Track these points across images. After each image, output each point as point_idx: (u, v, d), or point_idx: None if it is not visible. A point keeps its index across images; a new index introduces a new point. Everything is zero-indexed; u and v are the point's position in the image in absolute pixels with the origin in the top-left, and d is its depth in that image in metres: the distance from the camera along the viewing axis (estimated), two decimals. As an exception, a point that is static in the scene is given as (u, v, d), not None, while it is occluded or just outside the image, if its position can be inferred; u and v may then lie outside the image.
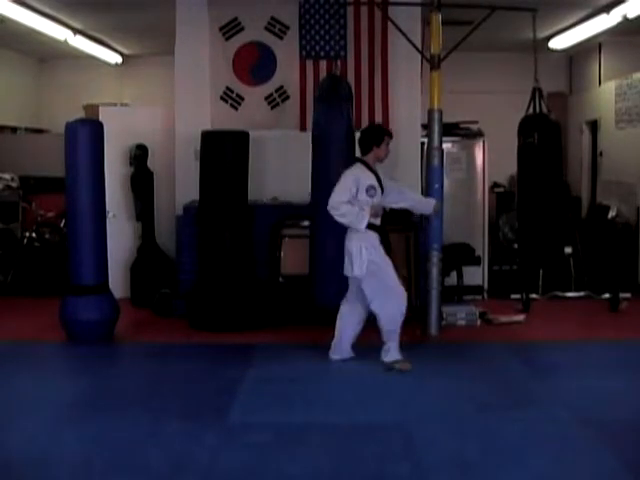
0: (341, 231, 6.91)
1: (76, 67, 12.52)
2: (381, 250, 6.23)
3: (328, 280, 6.96)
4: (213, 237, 7.59)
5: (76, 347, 6.95)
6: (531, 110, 7.65)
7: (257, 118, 8.48)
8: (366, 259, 6.13)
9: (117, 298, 7.37)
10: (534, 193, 7.68)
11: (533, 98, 7.60)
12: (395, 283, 6.21)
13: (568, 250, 9.33)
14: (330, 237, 6.97)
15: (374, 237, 6.22)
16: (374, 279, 6.16)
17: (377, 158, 6.42)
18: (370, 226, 6.16)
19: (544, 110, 7.64)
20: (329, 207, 6.21)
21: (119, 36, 11.30)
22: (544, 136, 7.62)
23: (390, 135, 6.57)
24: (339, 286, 6.98)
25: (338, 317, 6.46)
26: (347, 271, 6.26)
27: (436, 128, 7.29)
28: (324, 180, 7.03)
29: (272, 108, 8.56)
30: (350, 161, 7.04)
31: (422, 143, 8.34)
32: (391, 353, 6.22)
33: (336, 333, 6.45)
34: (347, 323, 6.42)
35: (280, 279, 7.93)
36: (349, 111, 7.19)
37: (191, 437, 4.77)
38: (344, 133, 7.01)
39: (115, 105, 10.41)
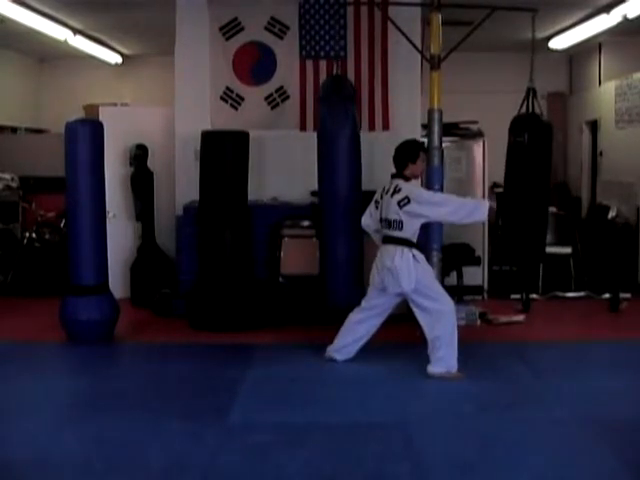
0: (350, 231, 6.97)
1: (76, 67, 12.52)
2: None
3: (340, 281, 7.00)
4: (213, 237, 7.59)
5: (76, 347, 6.95)
6: (524, 110, 7.67)
7: (257, 118, 8.47)
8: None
9: (117, 298, 7.37)
10: (519, 193, 7.71)
11: (527, 98, 7.61)
12: None
13: (567, 250, 9.35)
14: (340, 237, 7.02)
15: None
16: None
17: (413, 176, 6.21)
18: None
19: (537, 110, 7.65)
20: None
21: (119, 36, 11.30)
22: (534, 136, 7.63)
23: (425, 150, 6.44)
24: (351, 286, 7.03)
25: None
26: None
27: (436, 128, 7.28)
28: (331, 180, 7.08)
29: (272, 108, 8.55)
30: (356, 161, 7.08)
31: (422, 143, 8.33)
32: None
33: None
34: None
35: (280, 279, 7.93)
36: (353, 111, 7.22)
37: (191, 437, 4.76)
38: (349, 133, 7.03)
39: (115, 105, 10.41)
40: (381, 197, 6.20)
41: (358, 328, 6.36)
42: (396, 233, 6.05)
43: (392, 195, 6.07)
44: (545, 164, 7.76)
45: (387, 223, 6.11)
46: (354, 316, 6.39)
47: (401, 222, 6.01)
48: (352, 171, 7.08)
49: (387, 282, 6.09)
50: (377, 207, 6.24)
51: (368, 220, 6.41)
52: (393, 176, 6.18)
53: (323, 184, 7.23)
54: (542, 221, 7.84)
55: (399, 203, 6.00)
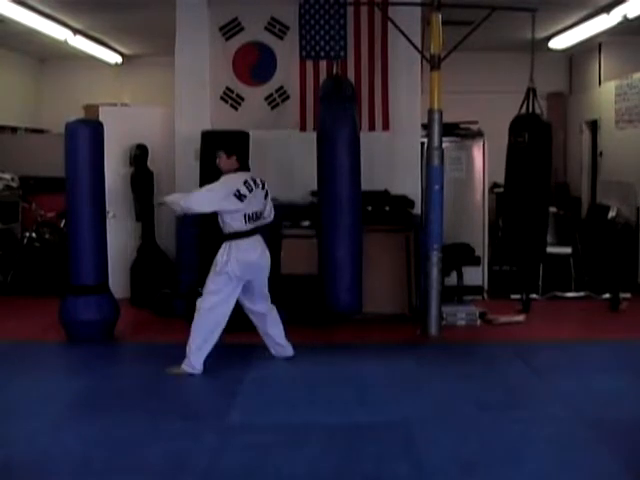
0: (348, 230, 6.95)
1: (76, 67, 12.51)
2: None
3: (339, 283, 6.97)
4: (213, 237, 7.57)
5: (76, 347, 6.95)
6: (524, 110, 7.67)
7: (257, 118, 8.47)
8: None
9: (117, 298, 7.37)
10: (519, 193, 7.70)
11: (527, 98, 7.61)
12: None
13: (567, 250, 9.35)
14: (339, 238, 6.99)
15: None
16: None
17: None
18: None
19: (537, 110, 7.65)
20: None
21: (119, 36, 11.29)
22: (534, 136, 7.63)
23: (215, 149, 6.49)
24: (350, 289, 6.99)
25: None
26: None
27: (436, 128, 7.28)
28: (330, 181, 7.06)
29: (272, 108, 8.56)
30: (355, 162, 7.08)
31: (422, 143, 8.34)
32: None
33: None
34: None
35: (280, 279, 7.91)
36: (353, 111, 7.21)
37: (191, 437, 4.77)
38: (349, 133, 7.03)
39: (115, 105, 10.41)
40: (250, 191, 6.17)
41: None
42: (259, 222, 6.30)
43: (262, 188, 6.32)
44: (545, 164, 7.76)
45: (258, 215, 6.27)
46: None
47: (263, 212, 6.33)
48: (351, 171, 7.06)
49: (260, 269, 6.29)
50: (242, 200, 6.13)
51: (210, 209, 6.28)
52: (241, 169, 6.27)
53: (322, 184, 7.20)
54: (543, 221, 7.85)
55: (266, 195, 6.37)
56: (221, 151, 6.32)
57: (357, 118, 7.37)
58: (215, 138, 7.68)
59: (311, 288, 7.53)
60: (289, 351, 6.48)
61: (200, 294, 6.31)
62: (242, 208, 6.10)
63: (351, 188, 7.04)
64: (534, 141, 7.64)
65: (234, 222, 6.13)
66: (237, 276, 6.13)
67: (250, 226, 6.19)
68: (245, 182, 6.16)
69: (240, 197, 6.08)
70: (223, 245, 6.19)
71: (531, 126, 7.69)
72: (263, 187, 6.34)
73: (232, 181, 6.16)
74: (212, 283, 6.18)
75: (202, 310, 6.14)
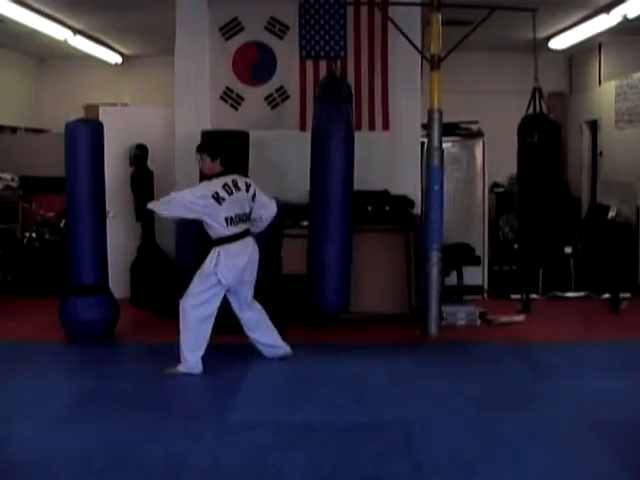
0: (340, 230, 6.93)
1: (76, 67, 12.52)
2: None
3: (328, 284, 6.95)
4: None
5: (76, 347, 6.95)
6: (531, 110, 7.67)
7: (257, 118, 8.47)
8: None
9: (117, 298, 7.37)
10: (533, 193, 7.71)
11: (533, 98, 7.61)
12: None
13: (568, 250, 9.35)
14: (329, 236, 6.97)
15: None
16: None
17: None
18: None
19: (544, 110, 7.65)
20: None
21: (119, 36, 11.30)
22: (544, 136, 7.63)
23: (197, 149, 6.42)
24: (339, 290, 6.97)
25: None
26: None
27: (436, 128, 7.28)
28: (322, 180, 7.05)
29: (272, 108, 8.56)
30: (349, 162, 7.05)
31: (422, 143, 8.34)
32: None
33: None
34: None
35: (280, 279, 7.91)
36: (349, 111, 7.20)
37: (191, 437, 4.77)
38: (343, 133, 7.01)
39: (115, 105, 10.40)
40: (229, 194, 6.09)
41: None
42: (247, 225, 6.22)
43: (247, 190, 6.21)
44: (556, 163, 7.77)
45: (242, 217, 6.17)
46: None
47: (249, 215, 6.24)
48: (343, 171, 7.02)
49: (248, 274, 6.22)
50: (220, 203, 6.06)
51: (188, 214, 6.20)
52: (227, 172, 6.18)
53: (314, 184, 7.16)
54: (558, 221, 7.85)
55: (253, 197, 6.24)
56: (205, 153, 6.23)
57: (352, 118, 7.33)
58: (215, 138, 7.68)
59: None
60: (284, 351, 6.47)
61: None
62: (221, 210, 6.03)
63: (342, 188, 6.99)
64: (544, 141, 7.64)
65: (216, 225, 6.07)
66: (227, 281, 6.11)
67: (234, 230, 6.12)
68: (225, 185, 6.08)
69: (218, 200, 6.02)
70: (212, 250, 6.15)
71: (540, 126, 7.69)
72: (248, 189, 6.22)
73: (211, 185, 6.11)
74: (199, 285, 6.14)
75: (186, 309, 6.13)
